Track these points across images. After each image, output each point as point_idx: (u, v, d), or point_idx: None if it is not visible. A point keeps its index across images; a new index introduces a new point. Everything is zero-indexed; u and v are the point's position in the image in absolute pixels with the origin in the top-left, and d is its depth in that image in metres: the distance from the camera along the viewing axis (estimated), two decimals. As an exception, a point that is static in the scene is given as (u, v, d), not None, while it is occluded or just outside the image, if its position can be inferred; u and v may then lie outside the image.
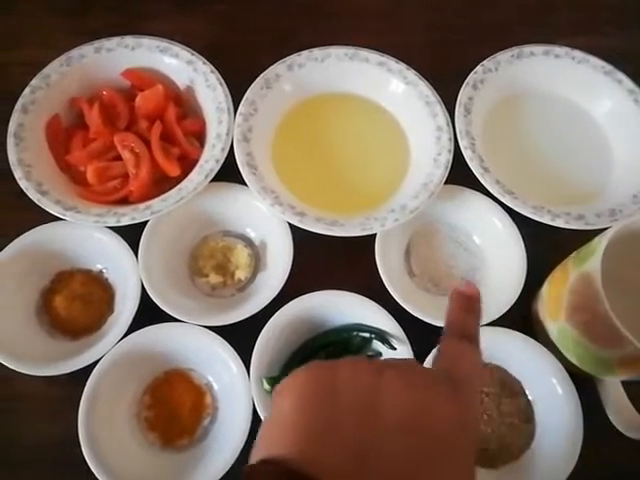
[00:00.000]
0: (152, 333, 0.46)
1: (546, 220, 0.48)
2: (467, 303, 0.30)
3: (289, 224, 0.48)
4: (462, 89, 0.53)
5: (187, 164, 0.51)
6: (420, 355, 0.44)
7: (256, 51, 0.60)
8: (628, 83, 0.55)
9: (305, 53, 0.55)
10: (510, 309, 0.47)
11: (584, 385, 0.44)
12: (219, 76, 0.53)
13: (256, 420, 0.43)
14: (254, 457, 0.23)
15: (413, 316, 0.46)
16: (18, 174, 0.48)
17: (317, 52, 0.55)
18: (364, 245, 0.49)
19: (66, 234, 0.49)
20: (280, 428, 0.24)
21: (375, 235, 0.49)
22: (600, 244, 0.39)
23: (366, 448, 0.23)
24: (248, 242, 0.52)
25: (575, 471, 0.41)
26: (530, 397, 0.46)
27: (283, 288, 0.47)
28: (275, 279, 0.48)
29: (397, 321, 0.45)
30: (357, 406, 0.24)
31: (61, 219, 0.48)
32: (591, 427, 0.42)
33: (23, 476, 0.46)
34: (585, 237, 0.44)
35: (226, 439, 0.43)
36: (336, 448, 0.23)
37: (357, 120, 0.56)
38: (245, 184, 0.49)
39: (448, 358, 0.28)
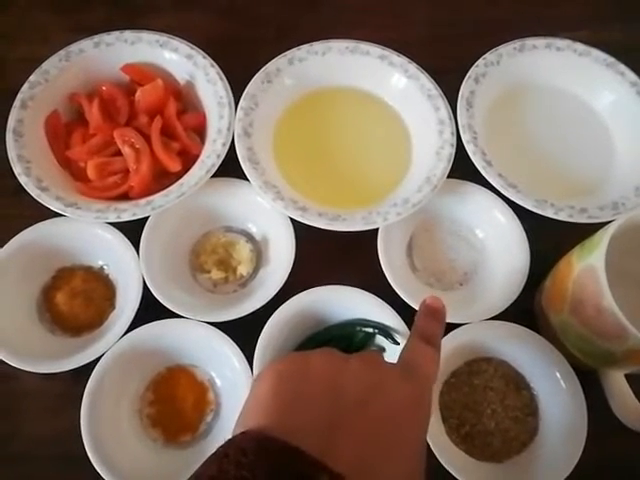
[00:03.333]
0: (154, 329, 0.46)
1: (549, 214, 0.47)
2: (433, 314, 0.37)
3: (291, 219, 0.48)
4: (464, 82, 0.53)
5: (188, 159, 0.51)
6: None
7: (256, 45, 0.59)
8: (630, 75, 0.55)
9: (306, 47, 0.55)
10: (513, 303, 0.47)
11: (588, 378, 0.44)
12: (219, 70, 0.53)
13: (259, 416, 0.42)
14: (234, 433, 0.27)
15: (416, 311, 0.46)
16: (18, 170, 0.48)
17: (318, 46, 0.55)
18: (366, 240, 0.49)
19: (66, 230, 0.49)
20: (257, 405, 0.28)
21: (377, 230, 0.48)
22: (604, 237, 0.39)
23: (332, 417, 0.27)
24: (250, 237, 0.52)
25: (579, 464, 0.41)
26: (534, 391, 0.46)
27: (285, 284, 0.47)
28: (277, 275, 0.47)
29: (400, 316, 0.45)
30: (325, 384, 0.28)
31: (61, 215, 0.47)
32: (595, 420, 0.42)
33: (25, 472, 0.46)
34: (588, 230, 0.43)
35: (229, 436, 0.43)
36: (306, 417, 0.26)
37: (359, 114, 0.55)
38: (246, 179, 0.49)
39: (410, 354, 0.33)
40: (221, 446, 0.25)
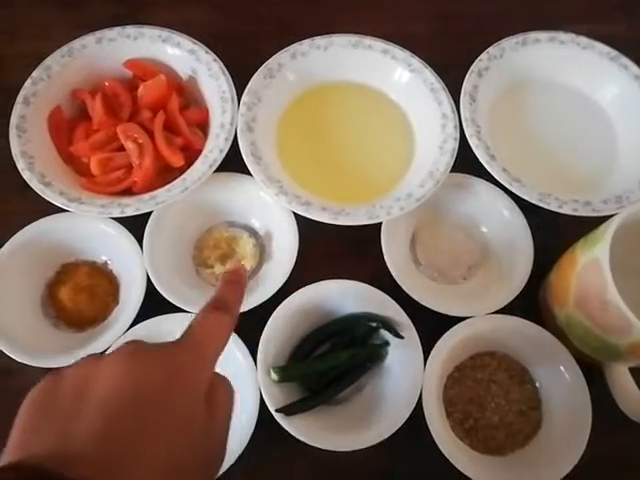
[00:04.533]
0: (158, 324, 0.46)
1: (553, 207, 0.47)
2: (234, 280, 0.34)
3: (294, 214, 0.48)
4: (467, 77, 0.53)
5: (191, 154, 0.51)
6: (428, 343, 0.44)
7: (258, 40, 0.59)
8: (634, 69, 0.55)
9: (308, 41, 0.54)
10: (517, 297, 0.47)
11: (592, 372, 0.44)
12: (222, 65, 0.53)
13: (263, 410, 0.43)
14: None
15: (420, 304, 0.46)
16: (21, 166, 0.48)
17: (320, 40, 0.54)
18: (370, 234, 0.49)
19: (70, 225, 0.49)
20: (13, 433, 0.26)
21: (381, 224, 0.48)
22: (607, 230, 0.39)
23: (69, 423, 0.25)
24: (253, 232, 0.52)
25: (583, 458, 0.41)
26: (538, 384, 0.46)
27: (289, 278, 0.47)
28: (280, 269, 0.48)
29: (403, 309, 0.45)
30: (73, 392, 0.26)
31: (65, 210, 0.48)
32: (599, 414, 0.42)
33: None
34: (592, 224, 0.43)
35: (233, 430, 0.43)
36: (44, 433, 0.25)
37: (362, 108, 0.55)
38: (249, 174, 0.48)
39: (197, 325, 0.30)
40: None
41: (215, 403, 0.29)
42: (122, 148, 0.51)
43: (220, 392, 0.30)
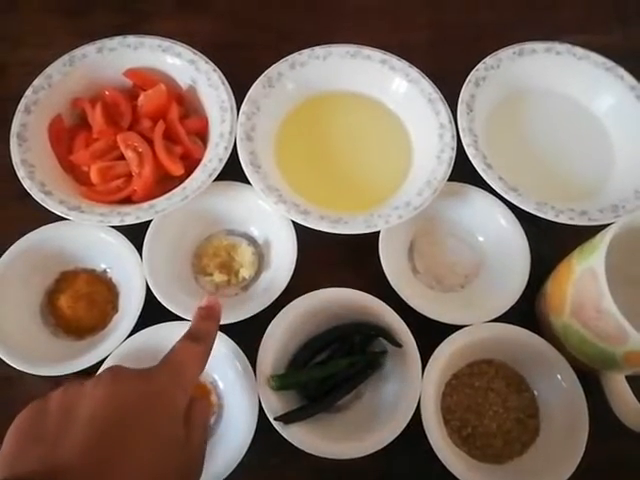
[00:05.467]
0: (157, 332, 0.46)
1: (550, 216, 0.48)
2: (208, 314, 0.38)
3: (293, 222, 0.49)
4: (464, 86, 0.53)
5: (190, 163, 0.51)
6: (426, 351, 0.44)
7: (258, 50, 0.60)
8: (630, 79, 0.55)
9: (307, 51, 0.55)
10: (514, 305, 0.47)
11: (589, 380, 0.44)
12: (221, 75, 0.53)
13: (262, 418, 0.43)
14: None
15: (418, 313, 0.46)
16: (21, 174, 0.48)
17: (319, 50, 0.55)
18: (368, 243, 0.49)
19: (70, 234, 0.49)
20: (2, 453, 0.28)
21: (379, 233, 0.49)
22: (603, 239, 0.39)
23: (58, 440, 0.27)
24: (252, 241, 0.52)
25: (580, 465, 0.41)
26: (535, 392, 0.46)
27: (287, 287, 0.47)
28: (279, 278, 0.48)
29: (402, 318, 0.45)
30: (60, 414, 0.29)
31: (65, 219, 0.48)
32: (596, 422, 0.42)
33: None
34: (588, 233, 0.44)
35: (232, 438, 0.43)
36: (36, 453, 0.27)
37: (360, 118, 0.56)
38: (249, 183, 0.49)
39: (173, 353, 0.34)
40: None
41: (193, 422, 0.32)
42: (122, 157, 0.51)
43: (197, 412, 0.33)
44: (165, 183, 0.51)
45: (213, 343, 0.37)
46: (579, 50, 0.57)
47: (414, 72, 0.54)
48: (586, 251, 0.42)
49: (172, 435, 0.30)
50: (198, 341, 0.36)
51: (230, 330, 0.45)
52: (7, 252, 0.48)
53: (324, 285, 0.46)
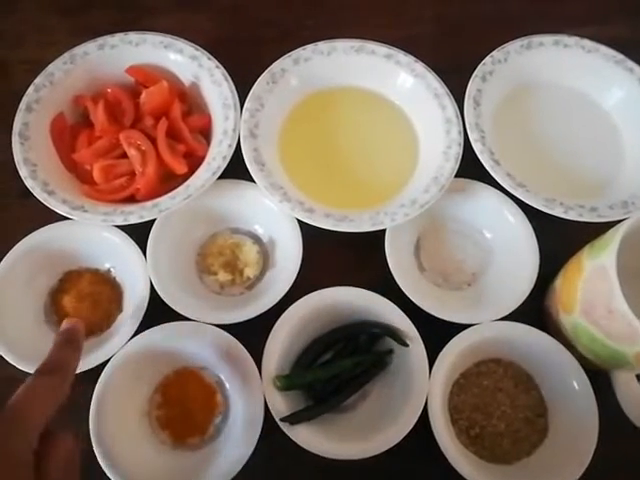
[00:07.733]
0: (162, 332, 0.45)
1: (559, 213, 0.47)
2: (65, 338, 0.36)
3: (298, 220, 0.48)
4: (471, 81, 0.53)
5: (193, 161, 0.51)
6: (432, 350, 0.44)
7: (261, 46, 0.59)
8: (639, 72, 0.54)
9: (311, 47, 0.54)
10: (523, 303, 0.46)
11: (598, 379, 0.44)
12: (224, 71, 0.53)
13: (268, 419, 0.42)
14: None
15: (424, 311, 0.46)
16: (24, 173, 0.48)
17: (323, 45, 0.54)
18: (373, 241, 0.48)
19: (73, 233, 0.49)
20: None
21: (385, 230, 0.48)
22: (615, 236, 0.39)
23: None
24: (256, 239, 0.52)
25: (590, 465, 0.41)
26: (544, 392, 0.46)
27: (292, 285, 0.47)
28: (284, 276, 0.47)
29: (408, 316, 0.45)
30: None
31: (68, 218, 0.47)
32: (606, 421, 0.42)
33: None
34: (598, 230, 0.43)
35: (238, 437, 0.43)
36: None
37: (365, 114, 0.55)
38: (253, 181, 0.48)
39: (18, 392, 0.31)
40: None
41: (46, 468, 0.30)
42: (125, 155, 0.51)
43: (52, 457, 0.30)
44: (168, 181, 0.50)
45: (74, 371, 0.34)
46: (588, 43, 0.56)
47: (420, 67, 0.53)
48: (597, 248, 0.41)
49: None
50: (52, 373, 0.33)
51: (235, 329, 0.45)
52: (10, 252, 0.48)
53: (329, 283, 0.46)
